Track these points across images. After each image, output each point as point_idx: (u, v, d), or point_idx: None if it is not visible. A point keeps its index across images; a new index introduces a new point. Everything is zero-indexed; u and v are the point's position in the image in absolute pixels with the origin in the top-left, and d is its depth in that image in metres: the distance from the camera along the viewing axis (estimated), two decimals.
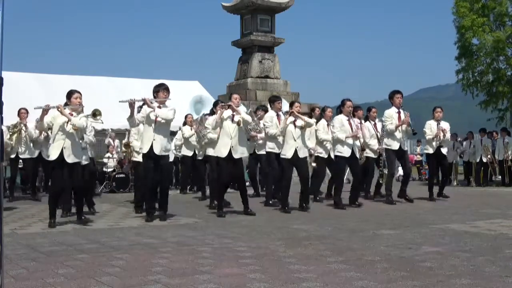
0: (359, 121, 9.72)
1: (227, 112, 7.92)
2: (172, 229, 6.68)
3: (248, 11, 18.56)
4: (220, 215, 7.82)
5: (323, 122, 9.67)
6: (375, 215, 8.07)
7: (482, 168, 15.62)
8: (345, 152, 9.04)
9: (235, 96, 8.14)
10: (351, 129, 9.04)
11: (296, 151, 8.31)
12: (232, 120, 7.86)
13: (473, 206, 9.36)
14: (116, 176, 12.87)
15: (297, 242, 5.54)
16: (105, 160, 13.68)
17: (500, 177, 15.27)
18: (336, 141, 9.17)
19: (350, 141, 9.01)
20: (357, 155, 9.36)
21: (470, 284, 3.70)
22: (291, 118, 8.41)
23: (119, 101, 7.76)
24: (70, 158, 6.85)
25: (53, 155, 6.88)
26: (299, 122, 8.36)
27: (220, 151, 7.93)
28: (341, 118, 9.14)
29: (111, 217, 8.00)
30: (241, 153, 7.93)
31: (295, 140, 8.33)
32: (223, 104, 8.33)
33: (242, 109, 8.45)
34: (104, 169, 13.53)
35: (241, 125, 7.88)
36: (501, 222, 7.14)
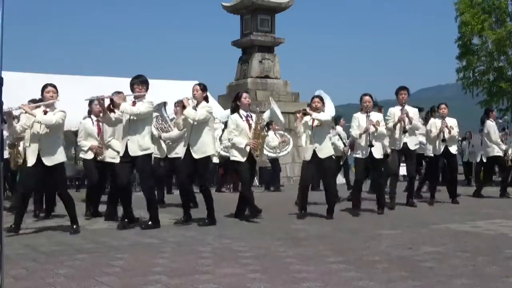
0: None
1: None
2: (172, 229, 6.68)
3: (248, 11, 18.55)
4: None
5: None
6: (375, 215, 8.06)
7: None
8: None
9: (195, 87, 7.25)
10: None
11: (315, 152, 7.51)
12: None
13: (473, 206, 9.35)
14: None
15: (297, 242, 5.54)
16: None
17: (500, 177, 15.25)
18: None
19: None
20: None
21: (470, 284, 3.70)
22: (307, 118, 7.57)
23: (85, 100, 7.32)
24: (48, 161, 6.12)
25: (30, 161, 6.11)
26: (316, 122, 7.50)
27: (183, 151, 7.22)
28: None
29: None
30: (202, 152, 6.99)
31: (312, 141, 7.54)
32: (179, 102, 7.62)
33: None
34: None
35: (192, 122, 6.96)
36: (501, 222, 7.14)
